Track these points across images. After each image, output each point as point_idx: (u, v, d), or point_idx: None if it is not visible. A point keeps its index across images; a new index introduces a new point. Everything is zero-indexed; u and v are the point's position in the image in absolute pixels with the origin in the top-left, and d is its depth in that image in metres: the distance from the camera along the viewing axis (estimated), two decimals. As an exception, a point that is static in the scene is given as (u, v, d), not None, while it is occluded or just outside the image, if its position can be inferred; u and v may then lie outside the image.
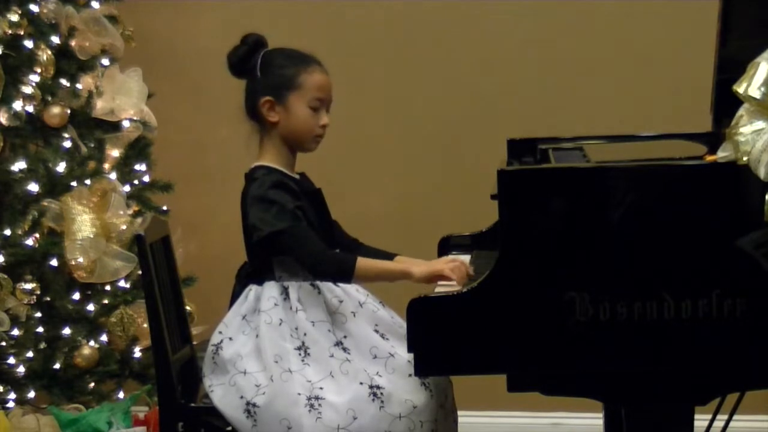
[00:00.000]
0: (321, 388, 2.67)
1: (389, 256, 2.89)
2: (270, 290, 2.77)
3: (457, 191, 4.23)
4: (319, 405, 2.65)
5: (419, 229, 4.01)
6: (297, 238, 2.72)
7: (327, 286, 2.77)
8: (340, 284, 2.79)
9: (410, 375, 2.65)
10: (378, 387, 2.67)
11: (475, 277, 2.65)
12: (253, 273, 2.82)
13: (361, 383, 2.67)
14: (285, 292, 2.76)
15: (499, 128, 3.62)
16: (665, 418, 2.43)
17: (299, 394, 2.67)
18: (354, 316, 2.76)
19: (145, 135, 4.14)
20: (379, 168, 4.38)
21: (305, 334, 2.72)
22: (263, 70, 2.83)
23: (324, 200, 2.90)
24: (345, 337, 2.75)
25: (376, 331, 2.76)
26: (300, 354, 2.71)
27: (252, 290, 2.80)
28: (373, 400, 2.66)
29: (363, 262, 2.74)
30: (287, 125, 2.82)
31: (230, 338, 2.78)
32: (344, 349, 2.73)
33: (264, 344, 2.72)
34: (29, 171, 3.89)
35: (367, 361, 2.71)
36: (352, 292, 2.80)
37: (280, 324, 2.73)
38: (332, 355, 2.71)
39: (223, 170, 4.36)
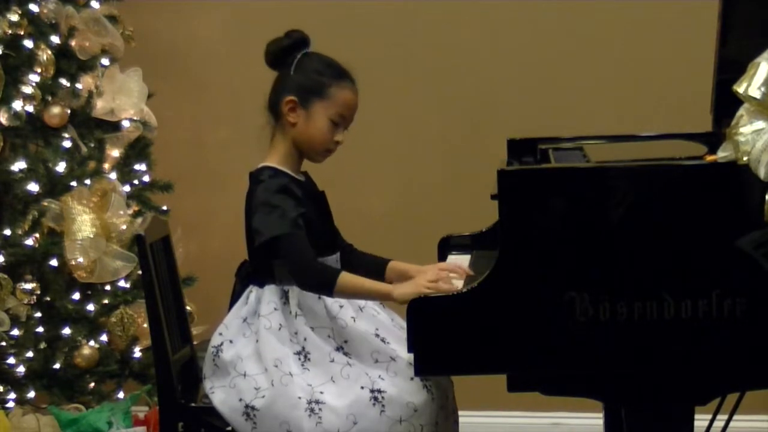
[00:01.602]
0: (321, 392, 2.66)
1: (383, 262, 2.89)
2: (270, 294, 2.76)
3: (457, 191, 4.23)
4: (320, 409, 2.65)
5: (419, 229, 4.01)
6: (290, 246, 2.70)
7: (327, 291, 2.77)
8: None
9: (412, 378, 2.65)
10: (379, 391, 2.66)
11: (475, 277, 2.65)
12: (254, 273, 2.82)
13: (362, 387, 2.67)
14: (285, 296, 2.76)
15: (499, 128, 3.62)
16: (665, 418, 2.43)
17: (299, 397, 2.66)
18: (354, 321, 2.75)
19: (145, 135, 4.14)
20: (379, 168, 4.38)
21: (305, 339, 2.72)
22: (298, 69, 2.81)
23: (327, 203, 2.89)
24: (345, 342, 2.74)
25: (377, 335, 2.75)
26: (300, 359, 2.71)
27: (253, 292, 2.80)
28: (374, 404, 2.65)
29: (345, 278, 2.69)
30: (303, 131, 2.81)
31: (230, 341, 2.78)
32: (345, 354, 2.73)
33: (264, 349, 2.72)
34: (29, 171, 3.89)
35: (369, 365, 2.71)
36: (352, 296, 2.80)
37: (280, 329, 2.73)
38: (333, 360, 2.71)
39: (223, 170, 4.37)
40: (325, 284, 2.69)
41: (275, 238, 2.70)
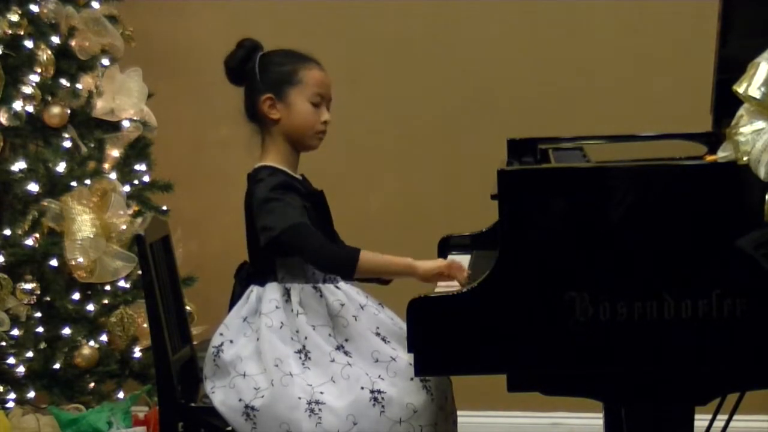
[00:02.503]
0: (321, 393, 2.66)
1: None
2: (271, 292, 2.76)
3: (457, 191, 4.23)
4: (319, 410, 2.65)
5: (419, 229, 4.01)
6: (301, 234, 2.71)
7: (329, 289, 2.77)
8: (341, 287, 2.79)
9: (411, 378, 2.65)
10: (379, 391, 2.66)
11: (474, 277, 2.65)
12: (255, 273, 2.82)
13: (362, 388, 2.67)
14: (287, 294, 2.76)
15: (499, 128, 3.62)
16: (665, 418, 2.43)
17: (299, 398, 2.66)
18: (355, 320, 2.75)
19: (145, 135, 4.15)
20: (379, 168, 4.38)
21: (306, 338, 2.72)
22: (262, 70, 2.83)
23: (326, 202, 2.90)
24: (346, 340, 2.74)
25: (378, 334, 2.75)
26: (300, 358, 2.71)
27: (253, 291, 2.80)
28: (374, 405, 2.65)
29: (366, 256, 2.73)
30: (289, 122, 2.82)
31: (231, 340, 2.78)
32: (345, 353, 2.73)
33: (264, 347, 2.72)
34: (29, 171, 3.90)
35: (369, 365, 2.71)
36: (353, 295, 2.80)
37: (281, 327, 2.73)
38: (333, 360, 2.71)
39: (223, 170, 4.37)
40: (347, 264, 2.72)
41: (284, 230, 2.70)
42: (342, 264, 2.73)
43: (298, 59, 2.85)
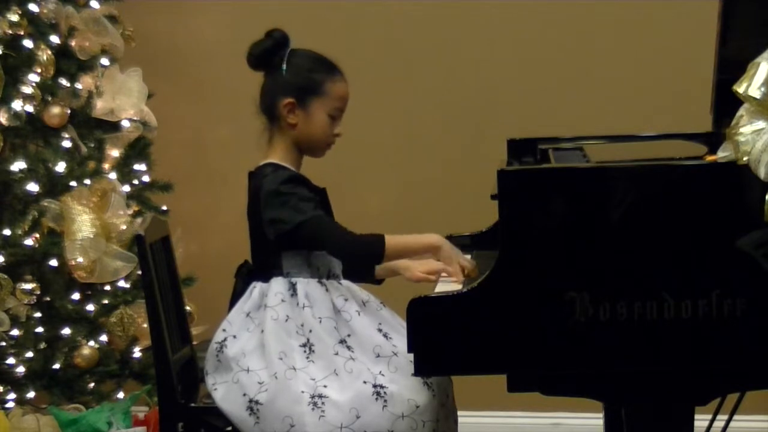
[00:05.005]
0: (325, 386, 2.67)
1: None
2: (277, 286, 2.77)
3: (457, 191, 4.23)
4: (323, 403, 2.65)
5: (419, 229, 4.00)
6: (322, 226, 2.73)
7: (333, 285, 2.78)
8: (344, 283, 2.80)
9: (413, 374, 2.65)
10: (381, 386, 2.67)
11: (475, 277, 2.65)
12: (257, 270, 2.82)
13: (364, 382, 2.67)
14: (292, 288, 2.76)
15: (499, 128, 3.62)
16: (665, 418, 2.43)
17: (302, 392, 2.67)
18: (358, 314, 2.77)
19: (145, 135, 4.15)
20: (379, 168, 4.39)
21: (311, 331, 2.72)
22: (290, 70, 2.81)
23: (328, 200, 2.90)
24: (349, 335, 2.75)
25: (380, 330, 2.76)
26: (305, 351, 2.71)
27: (257, 287, 2.80)
28: (376, 399, 2.66)
29: (391, 239, 2.75)
30: (304, 130, 2.82)
31: (234, 336, 2.78)
32: (348, 348, 2.73)
33: (269, 340, 2.72)
34: (29, 171, 3.90)
35: (371, 360, 2.72)
36: (356, 292, 2.81)
37: (287, 320, 2.73)
38: (336, 353, 2.71)
39: (223, 170, 4.37)
40: (375, 250, 2.73)
41: (301, 224, 2.71)
42: (370, 252, 2.75)
43: (328, 69, 2.83)
